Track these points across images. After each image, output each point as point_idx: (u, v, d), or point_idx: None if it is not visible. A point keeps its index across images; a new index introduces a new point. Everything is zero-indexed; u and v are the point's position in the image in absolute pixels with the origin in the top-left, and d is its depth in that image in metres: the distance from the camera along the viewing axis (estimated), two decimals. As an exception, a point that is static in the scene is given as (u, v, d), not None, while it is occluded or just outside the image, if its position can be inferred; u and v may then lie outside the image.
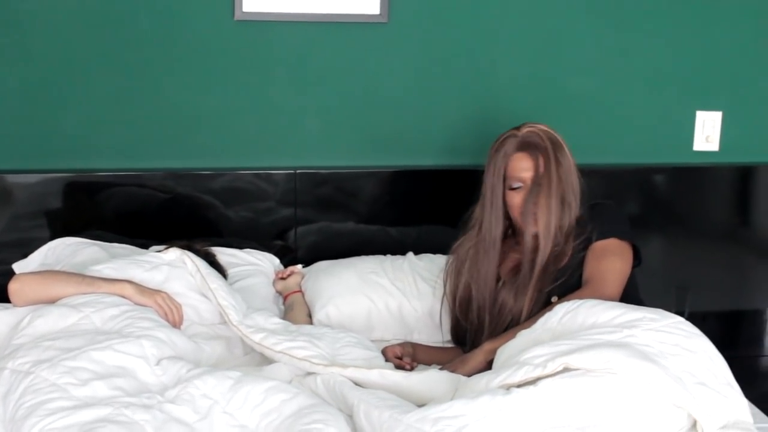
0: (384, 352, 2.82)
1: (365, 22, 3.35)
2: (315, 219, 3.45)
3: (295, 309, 3.09)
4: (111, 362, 2.34)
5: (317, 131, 3.44)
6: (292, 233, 3.44)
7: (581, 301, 2.48)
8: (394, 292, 3.13)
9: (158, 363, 2.42)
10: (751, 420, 2.28)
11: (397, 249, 3.37)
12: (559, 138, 2.80)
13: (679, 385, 2.15)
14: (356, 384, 2.45)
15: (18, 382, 2.26)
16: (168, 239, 3.14)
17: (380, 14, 3.33)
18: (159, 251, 3.00)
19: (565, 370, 2.16)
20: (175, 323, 2.71)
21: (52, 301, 2.64)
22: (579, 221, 2.79)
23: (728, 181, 3.68)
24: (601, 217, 2.82)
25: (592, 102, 3.55)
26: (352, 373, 2.48)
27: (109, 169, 3.35)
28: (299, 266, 3.33)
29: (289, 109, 3.41)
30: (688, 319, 3.55)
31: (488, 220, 2.82)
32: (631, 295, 2.76)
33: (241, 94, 3.37)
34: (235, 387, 2.32)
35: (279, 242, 3.44)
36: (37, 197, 3.32)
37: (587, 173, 3.39)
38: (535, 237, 2.74)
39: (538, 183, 2.74)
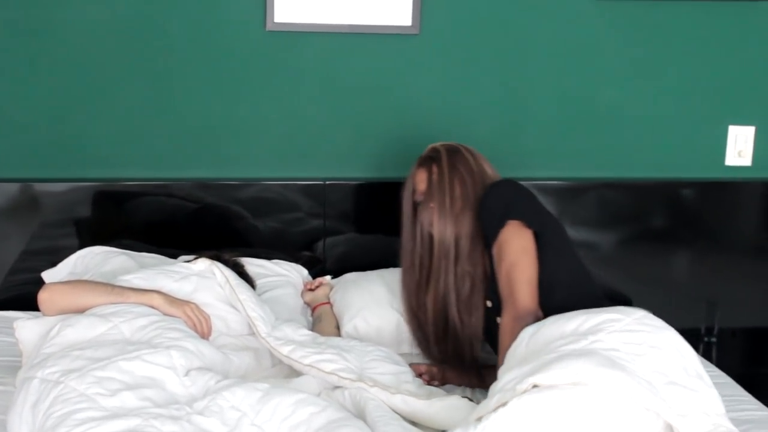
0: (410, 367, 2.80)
1: (397, 34, 3.35)
2: (344, 230, 3.45)
3: (323, 321, 3.08)
4: (140, 373, 2.33)
5: (347, 142, 3.44)
6: (320, 244, 3.44)
7: (541, 323, 2.39)
8: (423, 304, 3.11)
9: (187, 374, 2.40)
10: (722, 410, 2.23)
11: (426, 261, 3.35)
12: (463, 147, 2.80)
13: (649, 391, 2.10)
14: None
15: (47, 391, 2.26)
16: (196, 249, 3.13)
17: (412, 26, 3.33)
18: (188, 261, 2.99)
19: (535, 388, 2.12)
20: (204, 334, 2.70)
21: (81, 311, 2.63)
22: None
23: (760, 197, 3.64)
24: (483, 212, 2.67)
25: (622, 115, 3.53)
26: (376, 393, 2.47)
27: (139, 178, 3.36)
28: (328, 277, 3.32)
29: (319, 119, 3.41)
30: (718, 335, 3.57)
31: (411, 249, 2.82)
32: (549, 280, 2.59)
33: (271, 105, 3.38)
34: (263, 399, 2.31)
35: (307, 253, 3.44)
36: (66, 206, 3.33)
37: (618, 187, 3.40)
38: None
39: (431, 190, 2.74)
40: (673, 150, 3.58)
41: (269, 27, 3.29)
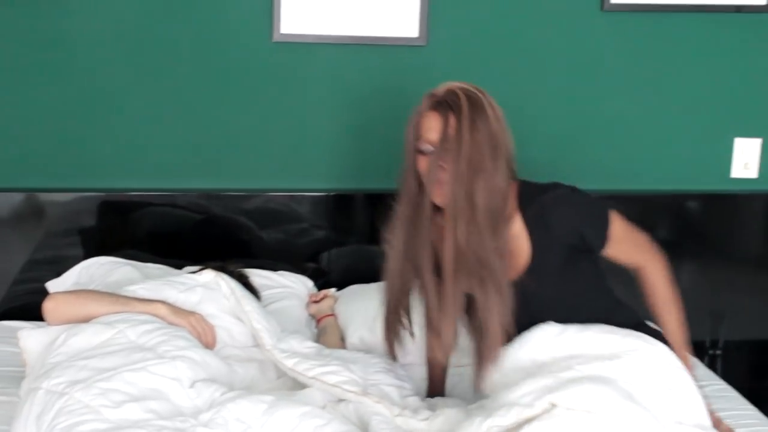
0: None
1: (404, 45, 3.35)
2: (349, 242, 3.45)
3: (328, 333, 3.08)
4: (145, 384, 2.33)
5: (353, 153, 3.44)
6: (325, 256, 3.44)
7: (564, 328, 2.41)
8: (428, 315, 3.10)
9: (192, 385, 2.40)
10: None
11: (431, 272, 3.35)
12: (483, 98, 2.40)
13: (657, 425, 2.15)
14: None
15: (52, 402, 2.26)
16: (201, 260, 3.13)
17: (419, 37, 3.33)
18: (193, 272, 2.99)
19: (552, 406, 2.14)
20: (209, 344, 2.70)
21: (85, 321, 2.63)
22: (527, 213, 2.48)
23: (766, 209, 3.64)
24: (581, 211, 2.48)
25: (628, 127, 3.54)
26: (380, 409, 2.45)
27: (144, 188, 3.36)
28: (333, 290, 3.32)
29: (325, 130, 3.41)
30: (723, 347, 3.56)
31: (407, 188, 2.47)
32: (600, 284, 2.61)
33: (277, 116, 3.38)
34: (269, 411, 2.31)
35: (312, 265, 3.44)
36: (71, 216, 3.33)
37: (623, 199, 3.39)
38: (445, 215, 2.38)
39: (444, 146, 2.35)
40: (679, 162, 3.58)
41: (276, 38, 3.29)
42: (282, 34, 3.29)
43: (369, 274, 3.31)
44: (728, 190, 3.60)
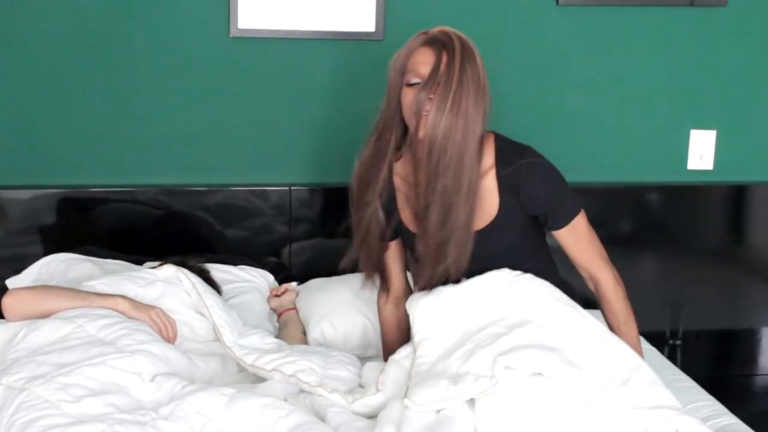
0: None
1: (361, 40, 3.36)
2: (309, 236, 3.45)
3: (289, 326, 3.09)
4: (105, 378, 2.33)
5: (312, 148, 3.45)
6: (286, 250, 3.44)
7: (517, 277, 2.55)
8: (389, 307, 3.12)
9: (153, 379, 2.41)
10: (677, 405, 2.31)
11: (392, 266, 3.36)
12: (473, 45, 2.47)
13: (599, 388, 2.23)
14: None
15: (12, 398, 2.25)
16: (162, 255, 3.15)
17: (375, 32, 3.34)
18: (153, 267, 2.99)
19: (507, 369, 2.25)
20: (170, 339, 2.70)
21: (45, 316, 2.62)
22: (502, 172, 2.54)
23: (722, 200, 3.68)
24: (553, 185, 2.59)
25: (586, 120, 3.56)
26: (335, 399, 2.47)
27: (103, 185, 3.35)
28: (294, 283, 3.33)
29: (283, 125, 3.42)
30: (682, 337, 3.60)
31: (384, 120, 2.57)
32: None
33: (236, 111, 3.39)
34: (229, 404, 2.31)
35: (273, 259, 3.44)
36: (30, 213, 3.31)
37: (581, 191, 3.41)
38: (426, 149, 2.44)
39: (434, 80, 2.41)
40: (637, 154, 3.61)
41: (233, 33, 3.30)
42: (239, 29, 3.29)
43: (330, 268, 3.33)
44: (686, 181, 3.63)
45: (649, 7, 3.49)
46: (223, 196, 3.40)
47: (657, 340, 3.48)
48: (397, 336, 2.83)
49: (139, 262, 3.22)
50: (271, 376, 2.57)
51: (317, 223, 3.46)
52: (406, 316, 2.65)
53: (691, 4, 3.48)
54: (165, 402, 2.33)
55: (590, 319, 2.46)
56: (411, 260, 2.73)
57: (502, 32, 3.45)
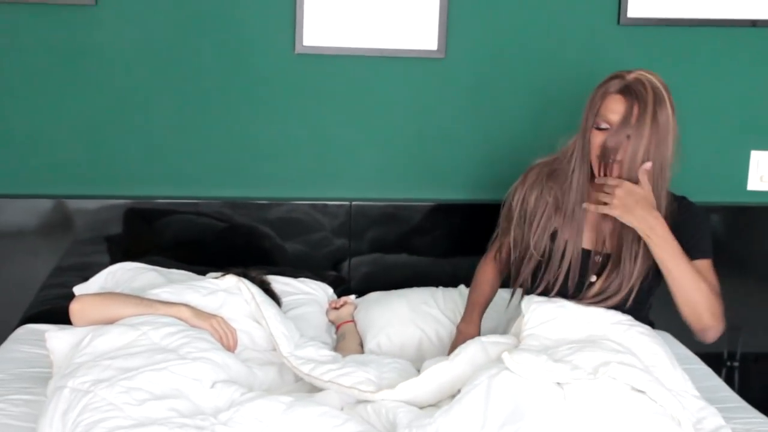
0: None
1: (423, 58, 3.39)
2: (369, 250, 3.49)
3: (347, 338, 3.12)
4: (167, 384, 2.38)
5: (373, 164, 3.48)
6: (345, 264, 3.48)
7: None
8: (445, 322, 3.14)
9: (213, 386, 2.45)
10: None
11: (450, 281, 3.38)
12: (665, 92, 2.59)
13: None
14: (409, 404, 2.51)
15: (77, 400, 2.30)
16: (224, 267, 3.18)
17: (438, 50, 3.37)
18: (215, 278, 3.03)
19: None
20: (230, 347, 2.74)
21: (110, 322, 2.67)
22: (669, 208, 2.71)
23: (783, 222, 3.65)
24: (701, 226, 2.77)
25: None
26: (401, 391, 2.51)
27: (169, 196, 3.41)
28: (352, 297, 3.36)
29: (346, 141, 3.45)
30: (740, 360, 3.57)
31: (575, 148, 2.73)
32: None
33: (299, 126, 3.42)
34: (287, 411, 2.34)
35: (333, 272, 3.48)
36: (98, 223, 3.38)
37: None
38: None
39: (625, 130, 2.55)
40: (696, 175, 3.57)
41: (298, 50, 3.34)
42: (304, 46, 3.33)
43: (388, 282, 3.37)
44: (745, 202, 3.61)
45: (711, 28, 3.47)
46: (286, 209, 3.43)
47: (714, 361, 3.44)
48: (487, 288, 3.02)
49: (203, 273, 3.25)
50: (327, 387, 2.60)
51: (377, 238, 3.48)
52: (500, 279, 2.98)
53: (753, 25, 3.47)
54: (224, 408, 2.37)
55: (688, 384, 2.61)
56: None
57: (563, 51, 3.46)
